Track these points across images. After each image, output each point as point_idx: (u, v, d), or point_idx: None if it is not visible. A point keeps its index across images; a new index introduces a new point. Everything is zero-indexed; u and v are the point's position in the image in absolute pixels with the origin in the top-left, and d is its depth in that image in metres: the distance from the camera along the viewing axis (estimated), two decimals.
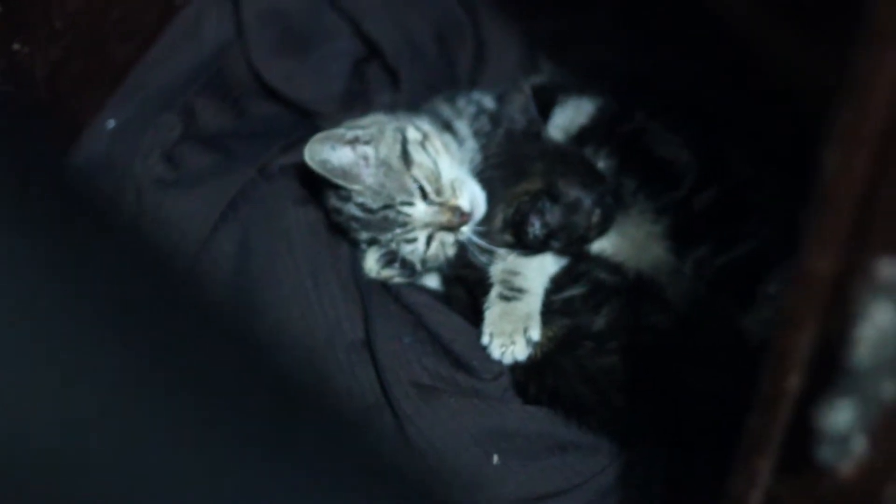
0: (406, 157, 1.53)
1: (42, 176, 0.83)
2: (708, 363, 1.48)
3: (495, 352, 1.50)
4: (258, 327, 1.59)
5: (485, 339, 1.51)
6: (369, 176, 1.53)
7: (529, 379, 1.54)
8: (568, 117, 1.69)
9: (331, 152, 1.51)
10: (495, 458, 1.45)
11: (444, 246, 1.56)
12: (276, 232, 1.58)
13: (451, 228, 1.54)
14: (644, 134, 1.68)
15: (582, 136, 1.68)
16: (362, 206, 1.54)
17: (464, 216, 1.53)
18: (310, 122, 1.72)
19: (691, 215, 1.61)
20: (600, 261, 1.62)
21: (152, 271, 0.85)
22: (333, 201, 1.57)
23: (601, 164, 1.65)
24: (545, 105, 1.70)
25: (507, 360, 1.50)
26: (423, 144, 1.55)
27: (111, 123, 1.70)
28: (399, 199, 1.52)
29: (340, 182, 1.52)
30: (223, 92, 1.74)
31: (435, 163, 1.54)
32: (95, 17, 1.63)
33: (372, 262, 1.58)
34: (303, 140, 1.55)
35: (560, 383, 1.52)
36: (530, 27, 1.83)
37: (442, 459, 1.44)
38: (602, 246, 1.64)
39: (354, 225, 1.56)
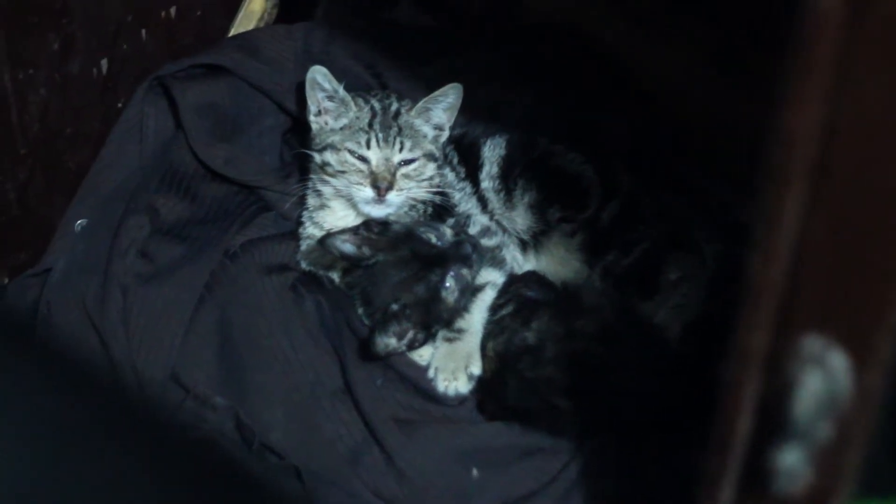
0: None
1: None
2: (633, 360, 1.67)
3: (440, 386, 1.72)
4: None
5: (430, 374, 1.73)
6: None
7: (487, 397, 1.73)
8: (493, 154, 1.89)
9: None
10: (475, 472, 1.64)
11: None
12: (249, 304, 1.74)
13: None
14: (551, 156, 1.90)
15: (505, 168, 1.88)
16: None
17: None
18: (255, 196, 1.88)
19: (601, 228, 1.83)
20: (528, 278, 1.82)
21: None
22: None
23: (526, 199, 1.86)
24: (468, 149, 1.91)
25: (451, 393, 1.72)
26: None
27: (80, 224, 1.83)
28: None
29: None
30: (177, 183, 1.87)
31: None
32: (51, 136, 1.76)
33: None
34: (254, 217, 1.77)
35: (509, 397, 1.69)
36: (426, 71, 1.98)
37: (429, 482, 1.63)
38: (530, 267, 1.86)
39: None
